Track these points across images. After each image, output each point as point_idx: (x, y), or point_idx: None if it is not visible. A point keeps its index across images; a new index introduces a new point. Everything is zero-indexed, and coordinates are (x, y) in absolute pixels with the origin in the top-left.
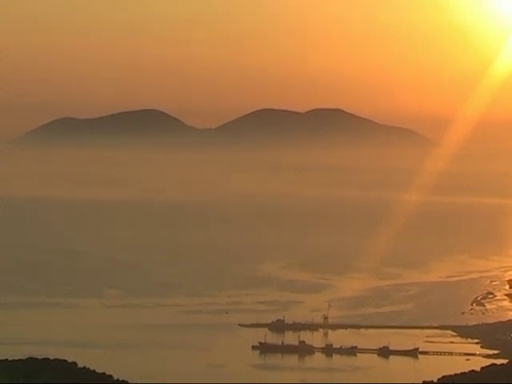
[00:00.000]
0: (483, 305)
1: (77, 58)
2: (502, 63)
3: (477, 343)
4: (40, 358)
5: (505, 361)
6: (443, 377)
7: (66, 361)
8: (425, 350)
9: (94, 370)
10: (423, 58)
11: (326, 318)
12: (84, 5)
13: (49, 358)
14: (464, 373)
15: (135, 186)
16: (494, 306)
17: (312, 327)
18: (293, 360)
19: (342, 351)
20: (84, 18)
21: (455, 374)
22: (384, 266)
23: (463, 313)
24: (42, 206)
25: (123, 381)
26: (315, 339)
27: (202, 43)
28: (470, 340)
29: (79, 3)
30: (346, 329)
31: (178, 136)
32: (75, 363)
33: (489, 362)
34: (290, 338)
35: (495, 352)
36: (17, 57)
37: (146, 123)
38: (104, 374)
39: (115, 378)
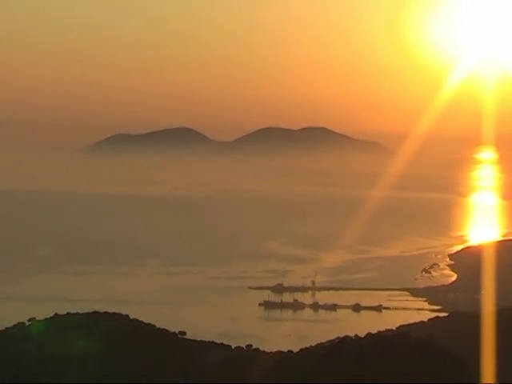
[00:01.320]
0: (430, 272)
1: (126, 82)
2: (449, 88)
3: (425, 301)
4: (101, 311)
5: (445, 314)
6: (400, 325)
7: (121, 314)
8: (387, 306)
9: (142, 321)
10: (386, 85)
11: (313, 282)
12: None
13: (108, 312)
14: (415, 322)
15: (172, 185)
16: (438, 274)
17: (303, 289)
18: (289, 314)
19: (325, 307)
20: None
21: (409, 324)
22: (356, 244)
23: (415, 278)
24: (105, 200)
25: (164, 329)
26: (305, 298)
27: (218, 76)
28: (420, 299)
29: (122, 29)
30: (328, 290)
31: (203, 147)
32: (128, 316)
33: (434, 314)
34: (287, 298)
35: (439, 307)
36: (77, 81)
37: (180, 138)
38: (149, 323)
39: (157, 326)
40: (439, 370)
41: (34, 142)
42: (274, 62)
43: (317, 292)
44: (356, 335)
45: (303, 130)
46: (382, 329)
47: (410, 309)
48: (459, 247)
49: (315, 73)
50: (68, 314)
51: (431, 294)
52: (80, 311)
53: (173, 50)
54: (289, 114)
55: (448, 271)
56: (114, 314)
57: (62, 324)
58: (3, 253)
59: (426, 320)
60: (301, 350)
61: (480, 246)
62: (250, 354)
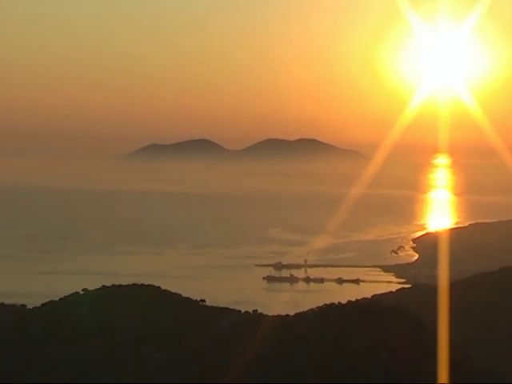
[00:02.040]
0: (397, 253)
1: (158, 102)
2: (412, 107)
3: (393, 275)
4: (139, 283)
5: (409, 285)
6: (374, 295)
7: (154, 285)
8: (363, 279)
9: (171, 291)
10: (363, 104)
11: (306, 261)
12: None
13: (144, 284)
14: (386, 292)
15: (195, 185)
16: (404, 254)
17: (297, 266)
18: (286, 286)
19: (315, 280)
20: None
21: (381, 293)
22: (339, 230)
23: (386, 258)
24: (144, 196)
25: (188, 297)
26: (299, 273)
27: (228, 97)
28: (389, 273)
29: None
30: (317, 267)
31: (219, 155)
32: (159, 287)
33: (400, 286)
34: (285, 273)
35: (404, 280)
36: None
37: (201, 148)
38: (176, 293)
39: (182, 295)
40: (404, 330)
41: (84, 150)
42: (272, 84)
43: (308, 268)
44: (339, 302)
45: (298, 140)
46: (360, 297)
47: (382, 281)
48: (420, 233)
49: (305, 94)
50: (113, 285)
51: (398, 270)
52: (122, 283)
53: (193, 76)
54: (286, 127)
55: (411, 252)
56: (149, 285)
57: (107, 293)
58: (65, 237)
59: (394, 290)
60: (296, 314)
61: (437, 232)
62: (255, 317)
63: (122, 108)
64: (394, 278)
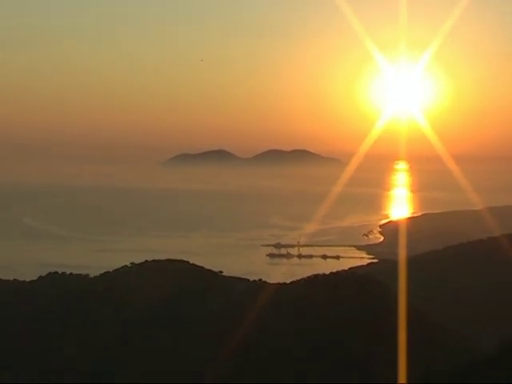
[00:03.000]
0: (368, 236)
1: (186, 118)
2: (380, 125)
3: (365, 253)
4: (173, 259)
5: (377, 260)
6: (350, 267)
7: (184, 260)
8: (342, 256)
9: (197, 265)
10: (343, 122)
11: (298, 242)
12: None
13: (177, 259)
14: (359, 265)
15: (215, 184)
16: (373, 237)
17: (292, 246)
18: (284, 261)
19: (305, 257)
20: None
21: (355, 266)
22: (324, 219)
23: (359, 239)
24: (177, 192)
25: (209, 269)
26: (294, 251)
27: (238, 113)
28: (362, 251)
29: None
30: (307, 247)
31: (234, 162)
32: (188, 261)
33: (370, 261)
34: (283, 251)
35: (373, 256)
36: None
37: (219, 156)
38: (201, 266)
39: (205, 268)
40: (373, 292)
41: (133, 156)
42: (274, 106)
43: (300, 247)
44: (324, 273)
45: (292, 151)
46: (340, 269)
47: (356, 257)
48: (385, 221)
49: (300, 114)
50: (153, 260)
51: (368, 249)
52: (160, 259)
53: (213, 98)
54: (284, 140)
55: (378, 235)
56: (180, 260)
57: (149, 266)
58: (117, 224)
59: (365, 264)
60: (291, 281)
61: (397, 220)
62: (261, 284)
63: (160, 124)
64: (365, 255)
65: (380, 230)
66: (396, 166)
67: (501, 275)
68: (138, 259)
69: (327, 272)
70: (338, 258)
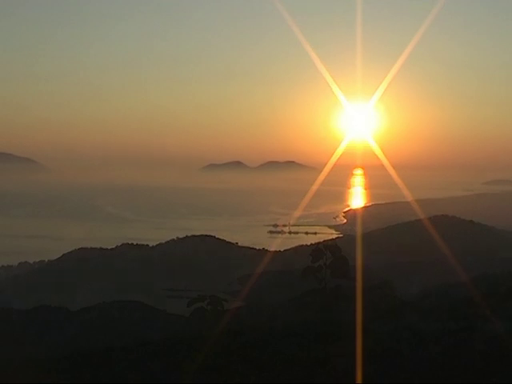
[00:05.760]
0: (335, 219)
1: (213, 135)
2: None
3: (334, 230)
4: (203, 235)
5: (341, 235)
6: (324, 240)
7: (211, 235)
8: (319, 232)
9: (219, 238)
10: (318, 143)
11: (289, 223)
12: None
13: (203, 234)
14: (330, 239)
15: (232, 185)
16: (339, 219)
17: (285, 225)
18: (279, 236)
19: (293, 233)
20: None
21: (328, 239)
22: (306, 207)
23: (330, 221)
24: (205, 191)
25: (229, 241)
26: (286, 229)
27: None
28: (332, 230)
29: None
30: (295, 226)
31: (245, 169)
32: (214, 236)
33: (337, 235)
34: (279, 229)
35: (339, 232)
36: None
37: (235, 166)
38: (222, 238)
39: (225, 240)
40: (338, 258)
41: (173, 165)
42: (271, 129)
43: (290, 227)
44: (306, 244)
45: (286, 162)
46: (317, 241)
47: (327, 233)
48: (347, 208)
49: (291, 138)
50: (192, 235)
51: (336, 227)
52: (195, 234)
53: (229, 118)
54: (281, 153)
55: (343, 218)
56: (207, 235)
57: (188, 240)
58: (168, 211)
59: (334, 237)
60: (284, 249)
61: (355, 208)
62: (263, 252)
63: (192, 139)
64: (334, 231)
65: (344, 214)
66: (355, 172)
67: (421, 241)
68: (181, 234)
69: (308, 243)
70: (315, 233)
